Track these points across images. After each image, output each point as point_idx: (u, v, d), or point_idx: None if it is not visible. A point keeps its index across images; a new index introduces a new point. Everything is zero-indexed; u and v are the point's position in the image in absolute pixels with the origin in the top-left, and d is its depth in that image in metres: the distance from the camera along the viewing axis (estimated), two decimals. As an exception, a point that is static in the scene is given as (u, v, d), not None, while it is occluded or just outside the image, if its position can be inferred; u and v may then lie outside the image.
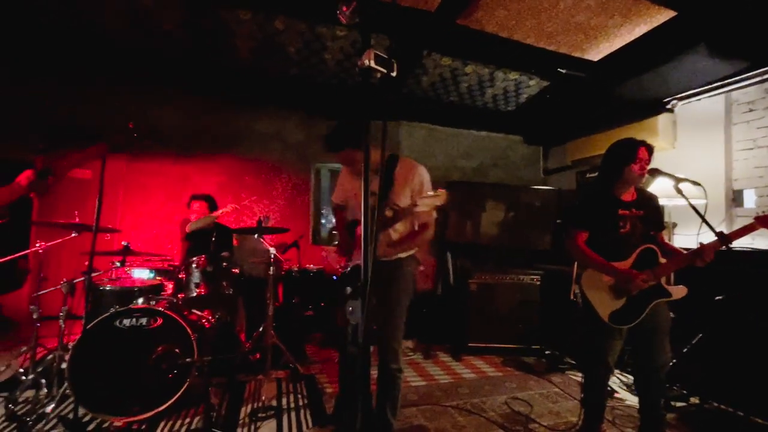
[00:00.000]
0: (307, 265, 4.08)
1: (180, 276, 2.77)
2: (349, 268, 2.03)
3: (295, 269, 3.92)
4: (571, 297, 3.42)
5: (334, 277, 3.62)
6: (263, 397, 2.54)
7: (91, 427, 2.12)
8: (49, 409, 2.16)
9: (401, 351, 1.96)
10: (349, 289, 1.91)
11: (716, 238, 1.82)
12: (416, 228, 1.97)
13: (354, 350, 1.97)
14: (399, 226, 1.96)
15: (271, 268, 2.71)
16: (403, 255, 2.01)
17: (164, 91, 4.11)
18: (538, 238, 4.41)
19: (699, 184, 1.95)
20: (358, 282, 1.92)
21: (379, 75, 0.78)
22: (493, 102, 4.25)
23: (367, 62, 0.78)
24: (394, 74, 0.78)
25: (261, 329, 3.06)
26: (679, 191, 1.96)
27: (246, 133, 4.44)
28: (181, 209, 4.09)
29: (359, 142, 1.90)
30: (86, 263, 2.82)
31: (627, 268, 1.96)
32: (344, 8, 0.77)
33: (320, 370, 3.14)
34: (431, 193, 1.71)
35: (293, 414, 2.37)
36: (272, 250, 2.65)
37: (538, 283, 3.85)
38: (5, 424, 2.11)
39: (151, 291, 2.76)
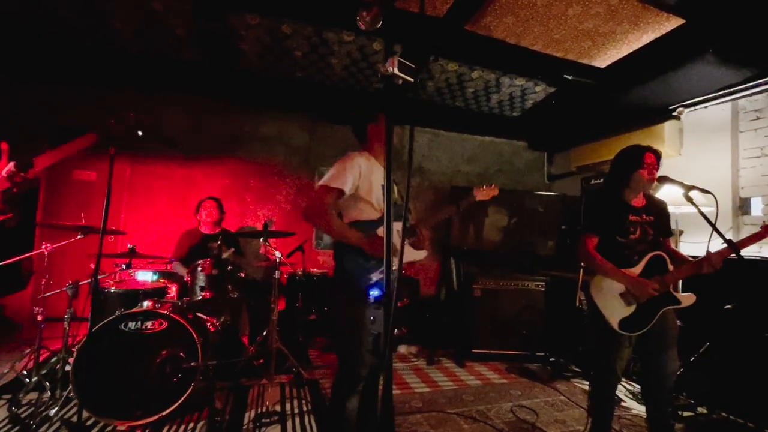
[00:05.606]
0: (311, 269, 4.07)
1: (186, 279, 2.76)
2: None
3: (299, 273, 3.90)
4: (577, 305, 3.41)
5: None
6: (267, 402, 2.52)
7: (94, 431, 2.10)
8: (52, 412, 2.15)
9: None
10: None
11: (725, 245, 1.81)
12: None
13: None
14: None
15: (277, 272, 2.70)
16: None
17: (171, 95, 4.12)
18: (542, 243, 4.40)
19: (709, 192, 1.93)
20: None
21: (401, 81, 0.78)
22: (498, 107, 4.25)
23: (390, 69, 0.78)
24: (412, 80, 0.79)
25: (264, 333, 3.04)
26: (690, 199, 1.93)
27: (250, 136, 4.44)
28: (185, 212, 4.10)
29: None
30: (90, 265, 2.82)
31: (637, 276, 1.95)
32: (364, 14, 0.77)
33: (323, 374, 3.11)
34: None
35: (297, 420, 2.35)
36: (278, 254, 2.64)
37: (543, 289, 3.82)
38: (8, 426, 2.10)
39: (155, 294, 2.75)
